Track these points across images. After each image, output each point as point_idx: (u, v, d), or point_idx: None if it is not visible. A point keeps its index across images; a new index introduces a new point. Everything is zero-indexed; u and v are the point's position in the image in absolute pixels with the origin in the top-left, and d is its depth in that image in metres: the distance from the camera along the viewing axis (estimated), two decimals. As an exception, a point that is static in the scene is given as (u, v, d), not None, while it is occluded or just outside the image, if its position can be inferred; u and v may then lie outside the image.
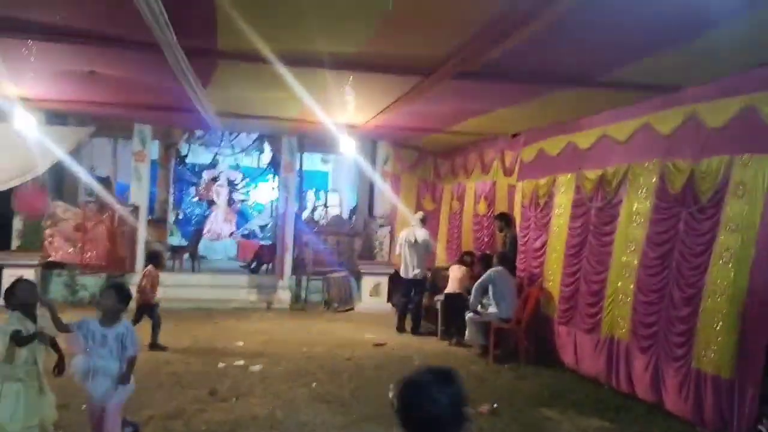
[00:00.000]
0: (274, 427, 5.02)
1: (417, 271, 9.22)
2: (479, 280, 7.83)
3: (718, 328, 4.97)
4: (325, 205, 16.91)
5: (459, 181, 11.02)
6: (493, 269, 7.82)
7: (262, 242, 15.38)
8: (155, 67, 6.13)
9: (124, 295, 4.15)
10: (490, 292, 7.82)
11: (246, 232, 19.27)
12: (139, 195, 11.41)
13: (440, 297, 9.06)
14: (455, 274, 8.89)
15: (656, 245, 5.80)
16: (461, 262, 9.19)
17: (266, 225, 19.36)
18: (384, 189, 11.91)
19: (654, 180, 5.96)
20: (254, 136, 14.25)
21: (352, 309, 11.10)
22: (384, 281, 11.26)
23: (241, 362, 7.05)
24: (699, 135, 5.45)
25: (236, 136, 14.95)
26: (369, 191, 14.04)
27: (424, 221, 9.50)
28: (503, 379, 6.81)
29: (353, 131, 9.11)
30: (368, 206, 14.18)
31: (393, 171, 12.07)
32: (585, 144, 7.19)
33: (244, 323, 9.57)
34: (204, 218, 18.97)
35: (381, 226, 11.98)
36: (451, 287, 8.79)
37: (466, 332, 7.96)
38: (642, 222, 6.05)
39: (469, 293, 8.79)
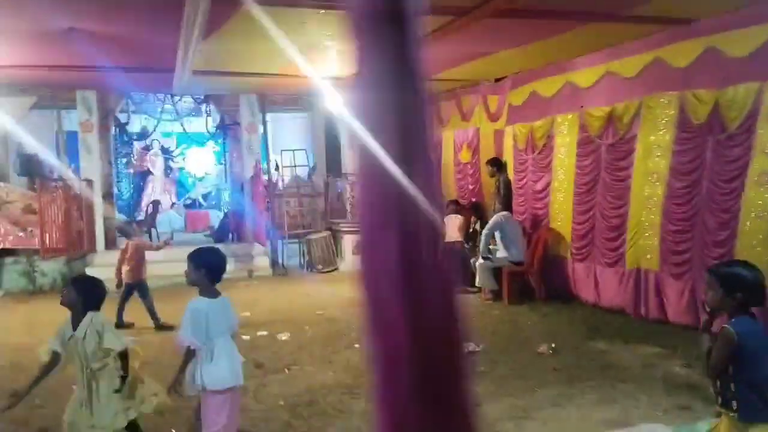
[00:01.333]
0: (353, 391, 4.85)
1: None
2: (488, 226, 7.86)
3: (758, 248, 5.26)
4: (277, 167, 16.32)
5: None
6: (500, 214, 7.87)
7: (224, 210, 14.69)
8: (153, 18, 5.51)
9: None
10: (498, 237, 7.89)
11: (189, 201, 18.36)
12: (90, 169, 10.48)
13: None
14: (452, 223, 8.87)
15: (682, 175, 6.02)
16: (455, 211, 9.18)
17: (209, 193, 18.51)
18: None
19: (673, 112, 6.13)
20: (199, 99, 13.36)
21: (336, 269, 10.90)
22: (364, 238, 11.08)
23: (265, 332, 6.75)
24: (720, 65, 5.63)
25: (178, 100, 13.95)
26: (331, 149, 13.70)
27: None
28: (531, 319, 6.95)
29: (338, 84, 8.71)
30: (328, 164, 13.87)
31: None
32: (586, 82, 7.28)
33: (234, 293, 9.08)
34: (139, 190, 17.85)
35: (352, 183, 11.72)
36: (450, 237, 8.78)
37: (477, 278, 8.01)
38: (663, 154, 6.24)
39: (468, 241, 8.88)
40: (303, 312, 7.71)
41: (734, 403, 2.54)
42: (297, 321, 7.24)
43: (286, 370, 5.45)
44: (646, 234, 6.42)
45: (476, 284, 8.06)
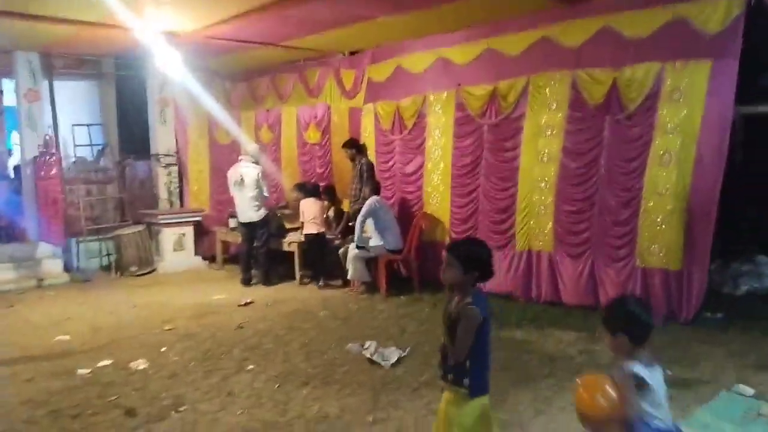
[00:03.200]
0: (288, 432, 3.70)
1: (252, 213, 7.88)
2: (362, 213, 7.06)
3: (663, 226, 5.39)
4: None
5: (266, 108, 9.69)
6: (372, 198, 7.12)
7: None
8: None
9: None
10: (371, 224, 7.15)
11: None
12: None
13: (293, 238, 7.99)
14: (310, 210, 7.87)
15: (577, 155, 5.96)
16: (308, 194, 8.16)
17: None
18: (178, 119, 9.81)
19: (564, 91, 6.04)
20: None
21: (154, 270, 9.07)
22: (188, 232, 9.43)
23: (108, 362, 5.07)
24: (617, 45, 5.64)
25: None
26: (125, 124, 11.48)
27: (253, 154, 8.08)
28: (422, 312, 6.37)
29: (174, 41, 7.03)
30: (123, 143, 11.64)
31: (174, 97, 9.92)
32: (463, 59, 6.90)
33: (27, 310, 6.96)
34: None
35: (167, 165, 9.89)
36: (310, 227, 7.78)
37: (349, 271, 7.19)
38: (555, 133, 6.12)
39: (329, 229, 8.00)
40: (143, 328, 6.06)
41: (466, 380, 2.60)
42: (143, 342, 5.63)
43: (173, 414, 4.03)
44: (538, 215, 6.27)
45: (347, 277, 7.24)
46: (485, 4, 5.96)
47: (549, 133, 6.17)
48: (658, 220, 5.42)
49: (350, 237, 7.78)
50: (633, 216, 5.59)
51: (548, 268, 6.22)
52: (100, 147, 11.64)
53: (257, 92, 9.81)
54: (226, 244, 9.42)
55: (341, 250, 7.52)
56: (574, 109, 5.98)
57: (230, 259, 9.40)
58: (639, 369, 2.29)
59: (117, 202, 10.57)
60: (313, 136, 8.90)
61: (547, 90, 6.17)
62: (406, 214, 7.54)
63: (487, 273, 2.68)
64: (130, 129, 11.32)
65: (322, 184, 8.68)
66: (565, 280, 6.10)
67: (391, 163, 7.79)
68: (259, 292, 7.53)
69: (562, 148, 6.07)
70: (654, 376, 2.33)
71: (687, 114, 5.25)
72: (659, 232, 5.43)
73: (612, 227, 5.74)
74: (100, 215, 10.25)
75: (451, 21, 6.56)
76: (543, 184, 6.22)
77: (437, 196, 7.24)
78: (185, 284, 8.25)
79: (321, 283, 7.67)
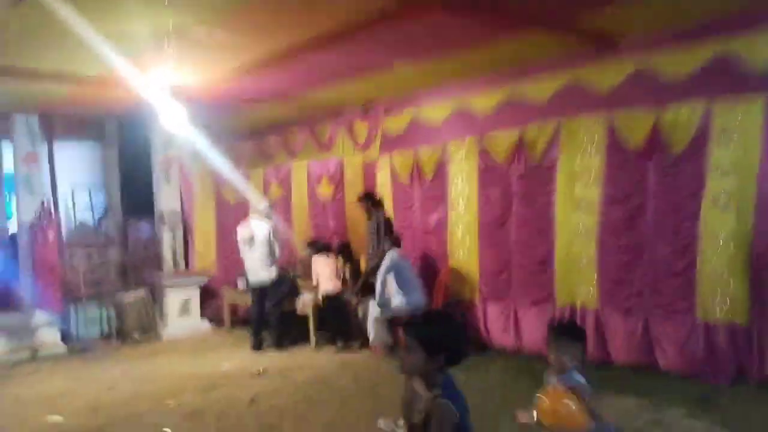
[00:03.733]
0: None
1: (263, 273, 7.36)
2: (382, 268, 6.53)
3: (725, 275, 4.86)
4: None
5: (276, 164, 9.33)
6: (393, 252, 6.61)
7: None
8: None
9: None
10: (393, 281, 6.61)
11: None
12: None
13: (305, 299, 7.43)
14: (323, 268, 7.37)
15: (620, 202, 5.50)
16: (320, 251, 7.66)
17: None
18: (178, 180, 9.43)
19: (601, 135, 5.63)
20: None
21: (157, 336, 8.46)
22: (194, 295, 8.87)
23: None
24: (655, 85, 5.27)
25: None
26: (128, 186, 11.12)
27: (264, 211, 7.63)
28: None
29: (179, 97, 6.70)
30: (126, 205, 11.26)
31: (179, 156, 9.57)
32: (484, 106, 6.54)
33: (16, 387, 6.32)
34: None
35: (172, 226, 9.43)
36: (326, 286, 7.25)
37: (371, 335, 6.60)
38: (593, 180, 5.68)
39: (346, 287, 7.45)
40: (145, 405, 5.44)
41: None
42: (145, 422, 5.01)
43: None
44: (581, 267, 5.75)
45: (370, 341, 6.65)
46: (507, 49, 5.64)
47: (586, 179, 5.72)
48: (719, 268, 4.90)
49: (369, 296, 7.25)
50: (690, 265, 5.07)
51: (594, 325, 5.64)
52: (101, 210, 11.24)
53: (266, 149, 9.47)
54: (234, 307, 8.84)
55: (360, 311, 6.95)
56: (612, 154, 5.55)
57: (239, 322, 8.81)
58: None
59: (119, 266, 10.10)
60: (325, 191, 8.48)
61: (581, 134, 5.77)
62: (429, 270, 7.02)
63: (456, 355, 2.29)
64: (133, 189, 10.94)
65: (336, 241, 8.21)
66: (615, 338, 5.52)
67: (410, 217, 7.33)
68: (271, 359, 6.91)
69: (602, 195, 5.61)
70: None
71: (743, 153, 4.81)
72: (721, 282, 4.89)
73: (667, 278, 5.20)
74: (101, 280, 9.73)
75: (471, 67, 6.25)
76: (583, 234, 5.73)
77: (463, 250, 6.73)
78: (191, 351, 7.63)
79: (339, 345, 7.07)
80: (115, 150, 10.97)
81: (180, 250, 9.41)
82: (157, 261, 9.61)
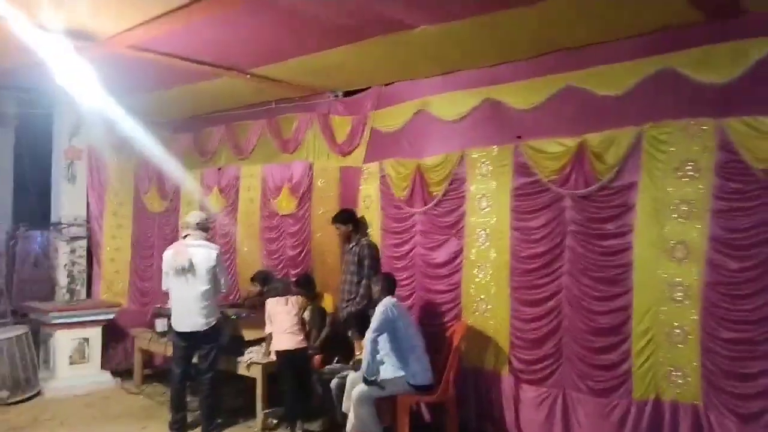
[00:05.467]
0: None
1: (199, 318, 5.12)
2: (374, 325, 4.49)
3: None
4: None
5: (218, 166, 7.16)
6: (388, 302, 4.59)
7: None
8: None
9: None
10: (388, 344, 4.59)
11: None
12: None
13: (255, 357, 5.28)
14: (280, 316, 5.23)
15: (738, 248, 3.73)
16: (275, 291, 5.52)
17: None
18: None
19: (709, 148, 3.87)
20: None
21: (37, 394, 6.05)
22: (95, 335, 6.50)
23: None
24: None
25: None
26: (23, 187, 8.61)
27: (205, 228, 5.42)
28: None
29: (87, 49, 4.47)
30: (18, 211, 8.72)
31: (89, 147, 7.24)
32: (526, 101, 4.69)
33: None
34: None
35: (72, 240, 7.03)
36: (284, 340, 5.12)
37: (349, 421, 4.53)
38: (695, 213, 3.90)
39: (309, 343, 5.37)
40: None
41: None
42: None
43: None
44: (673, 343, 3.93)
45: (347, 429, 4.56)
46: (572, 9, 3.81)
47: (684, 211, 3.94)
48: None
49: (336, 358, 5.21)
50: None
51: (693, 429, 3.81)
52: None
53: (207, 144, 7.28)
54: (148, 355, 6.56)
55: (334, 382, 4.87)
56: (726, 177, 3.80)
57: (154, 377, 6.54)
58: None
59: (2, 288, 7.63)
60: (285, 205, 6.38)
61: (675, 147, 3.99)
62: (434, 326, 5.05)
63: None
64: (31, 187, 8.39)
65: (293, 274, 6.12)
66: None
67: (407, 248, 5.35)
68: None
69: (709, 237, 3.83)
70: None
71: None
72: None
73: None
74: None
75: (517, 38, 4.36)
76: (679, 294, 3.92)
77: (486, 301, 4.80)
78: (81, 425, 5.30)
79: (298, 428, 4.95)
80: (11, 134, 8.48)
81: (80, 274, 7.01)
82: (49, 285, 7.19)
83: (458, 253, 4.99)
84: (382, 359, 4.59)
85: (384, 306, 4.55)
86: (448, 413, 4.61)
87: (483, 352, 4.78)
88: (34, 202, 7.81)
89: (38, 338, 6.45)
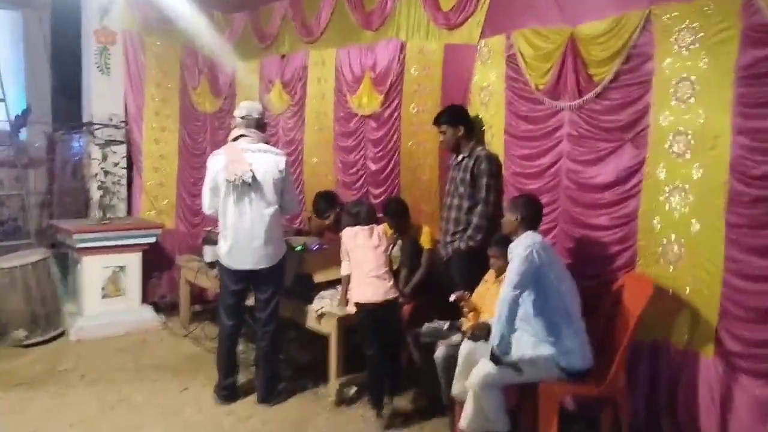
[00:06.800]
0: None
1: (259, 250, 3.67)
2: (515, 274, 2.90)
3: None
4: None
5: (281, 54, 5.58)
6: (531, 238, 2.99)
7: None
8: None
9: None
10: (530, 306, 3.02)
11: None
12: None
13: (327, 307, 3.87)
14: (366, 249, 3.71)
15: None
16: (354, 218, 3.98)
17: None
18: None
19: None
20: None
21: (61, 335, 4.95)
22: (133, 262, 5.28)
23: None
24: None
25: None
26: (63, 81, 7.42)
27: (261, 125, 3.89)
28: None
29: None
30: (57, 110, 7.61)
31: (125, 30, 5.85)
32: None
33: None
34: None
35: (107, 144, 5.71)
36: (369, 288, 3.62)
37: (467, 410, 3.04)
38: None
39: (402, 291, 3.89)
40: None
41: None
42: None
43: None
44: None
45: (462, 421, 3.09)
46: None
47: None
48: None
49: (435, 324, 3.61)
50: None
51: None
52: (19, 114, 7.43)
53: (266, 26, 5.68)
54: (197, 288, 5.31)
55: (440, 351, 3.38)
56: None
57: (205, 314, 5.35)
58: None
59: (42, 202, 6.79)
60: (367, 102, 4.74)
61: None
62: (588, 278, 3.39)
63: None
64: (65, 83, 7.17)
65: (376, 194, 4.59)
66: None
67: (546, 161, 3.65)
68: (253, 426, 3.43)
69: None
70: None
71: None
72: None
73: None
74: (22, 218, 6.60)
75: None
76: None
77: (681, 243, 3.09)
78: (104, 380, 4.13)
79: (386, 402, 3.55)
80: (45, 17, 7.25)
81: (116, 186, 5.77)
82: (83, 200, 6.04)
83: (635, 170, 3.25)
84: (517, 327, 3.03)
85: (528, 246, 2.95)
86: (615, 409, 3.06)
87: (667, 323, 3.14)
88: (74, 100, 6.61)
89: (66, 265, 5.33)
